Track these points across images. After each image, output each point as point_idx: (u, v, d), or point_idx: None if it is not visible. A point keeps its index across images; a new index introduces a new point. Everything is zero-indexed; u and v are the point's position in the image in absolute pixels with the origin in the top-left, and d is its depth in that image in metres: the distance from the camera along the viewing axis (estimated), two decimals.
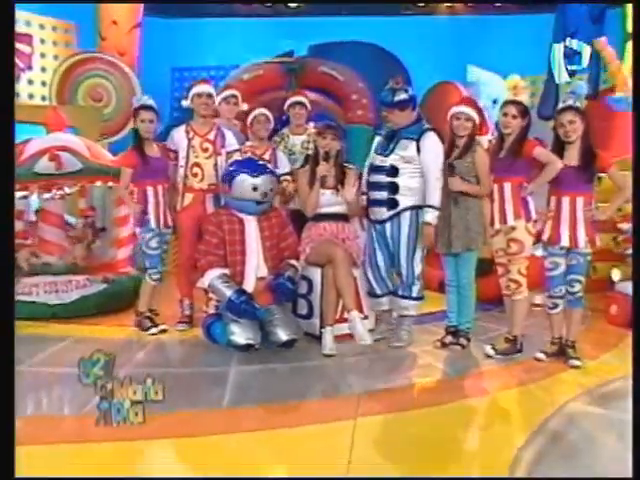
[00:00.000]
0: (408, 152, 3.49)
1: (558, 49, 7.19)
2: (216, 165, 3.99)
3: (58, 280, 4.29)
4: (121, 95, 7.21)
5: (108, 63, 7.27)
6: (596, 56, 6.71)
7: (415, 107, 3.64)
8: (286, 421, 2.45)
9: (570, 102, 3.23)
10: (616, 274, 4.80)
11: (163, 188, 3.89)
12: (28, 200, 4.86)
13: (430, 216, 3.46)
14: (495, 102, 6.53)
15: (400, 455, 2.17)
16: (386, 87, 3.60)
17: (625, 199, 3.35)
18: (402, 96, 3.52)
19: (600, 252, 4.73)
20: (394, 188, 3.50)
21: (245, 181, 3.46)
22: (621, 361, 3.35)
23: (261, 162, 3.81)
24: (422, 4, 8.83)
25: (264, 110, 4.25)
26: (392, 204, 3.52)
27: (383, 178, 3.52)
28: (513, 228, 3.33)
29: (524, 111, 3.34)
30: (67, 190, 4.56)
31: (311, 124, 4.44)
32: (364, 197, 3.71)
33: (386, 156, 3.54)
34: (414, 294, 3.62)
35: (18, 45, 7.27)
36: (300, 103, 4.42)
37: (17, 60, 7.29)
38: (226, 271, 3.37)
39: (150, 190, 3.84)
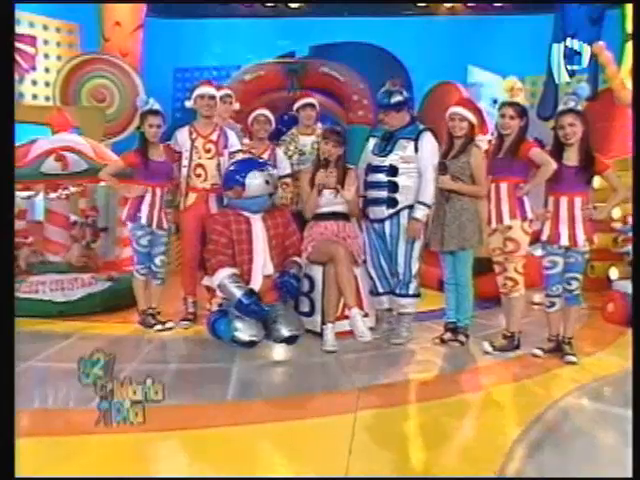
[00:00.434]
0: (407, 152, 3.55)
1: (558, 49, 7.25)
2: (219, 165, 4.06)
3: (64, 278, 4.37)
4: (124, 96, 7.28)
5: (111, 64, 7.34)
6: (595, 56, 6.74)
7: (409, 108, 3.71)
8: (288, 414, 2.51)
9: (571, 104, 3.27)
10: (614, 273, 4.87)
11: (161, 190, 3.93)
12: (33, 200, 4.94)
13: (419, 212, 3.52)
14: (495, 102, 6.57)
15: (399, 446, 2.23)
16: (382, 89, 3.67)
17: (620, 200, 3.40)
18: (398, 98, 3.59)
19: (598, 251, 4.81)
20: (394, 187, 3.56)
21: (258, 177, 3.53)
22: (617, 358, 3.41)
23: (260, 159, 3.93)
24: (423, 4, 8.87)
25: (264, 111, 4.31)
26: (392, 203, 3.58)
27: (382, 178, 3.58)
28: (509, 227, 3.39)
29: (521, 112, 3.40)
30: (72, 190, 4.63)
31: (319, 124, 4.50)
32: (360, 198, 3.77)
33: (384, 156, 3.59)
34: (411, 292, 3.67)
35: (22, 46, 7.35)
36: (310, 105, 4.47)
37: (21, 61, 7.37)
38: (236, 270, 3.42)
39: (148, 190, 3.89)
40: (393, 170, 3.55)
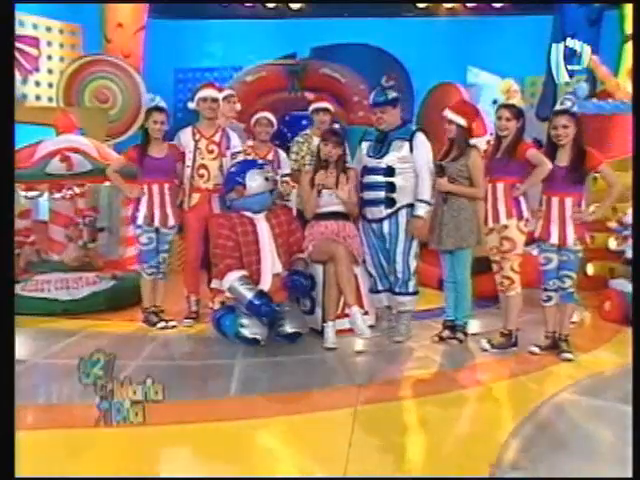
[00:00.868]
0: (402, 152, 3.61)
1: (557, 50, 7.28)
2: (221, 166, 4.12)
3: (69, 277, 4.44)
4: (126, 97, 7.33)
5: (114, 65, 7.40)
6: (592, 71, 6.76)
7: (402, 108, 3.77)
8: (290, 409, 2.57)
9: (567, 105, 3.32)
10: (590, 269, 4.95)
11: (159, 187, 3.94)
12: (37, 200, 5.00)
13: (421, 210, 3.58)
14: (495, 102, 6.60)
15: (398, 439, 2.29)
16: (377, 88, 3.72)
17: (615, 198, 3.44)
18: (394, 94, 3.66)
19: (596, 251, 4.87)
20: (391, 187, 3.61)
21: (257, 175, 3.62)
22: (613, 355, 3.48)
23: (260, 160, 4.01)
24: (423, 4, 8.90)
25: (266, 113, 4.37)
26: (390, 203, 3.63)
27: (380, 178, 3.63)
28: (505, 227, 3.45)
29: (518, 113, 3.47)
30: (77, 190, 4.69)
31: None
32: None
33: (380, 158, 3.65)
34: (410, 289, 3.73)
35: (25, 47, 7.42)
36: (324, 109, 4.51)
37: (24, 62, 7.44)
38: (245, 272, 3.47)
39: (145, 188, 3.94)
40: (390, 171, 3.61)
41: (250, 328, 3.36)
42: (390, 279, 3.78)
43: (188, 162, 4.11)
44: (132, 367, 3.02)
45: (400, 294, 3.74)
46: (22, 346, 3.50)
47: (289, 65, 7.92)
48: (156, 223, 3.96)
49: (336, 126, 3.97)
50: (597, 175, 4.24)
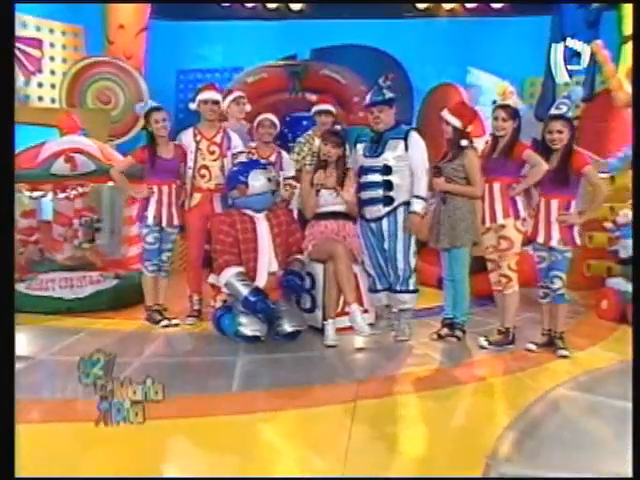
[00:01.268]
0: (398, 151, 3.67)
1: (556, 50, 7.33)
2: (223, 167, 4.17)
3: (73, 276, 4.50)
4: (128, 97, 7.39)
5: (116, 66, 7.46)
6: (594, 57, 6.82)
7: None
8: (291, 404, 2.62)
9: (563, 110, 3.37)
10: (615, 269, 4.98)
11: (169, 188, 4.04)
12: (42, 200, 5.07)
13: (417, 206, 3.64)
14: (495, 103, 6.67)
15: (396, 432, 2.35)
16: (374, 88, 3.78)
17: (601, 200, 3.48)
18: (391, 94, 3.72)
19: (594, 251, 4.92)
20: (389, 186, 3.67)
21: (260, 175, 3.67)
22: (609, 352, 3.52)
23: (262, 160, 4.05)
24: (423, 5, 8.94)
25: (269, 115, 4.40)
26: (388, 201, 3.69)
27: (377, 178, 3.69)
28: (502, 226, 3.50)
29: (514, 114, 3.52)
30: (81, 190, 4.76)
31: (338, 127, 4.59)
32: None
33: (377, 157, 3.70)
34: (411, 287, 3.77)
35: (28, 49, 7.49)
36: (327, 111, 4.56)
37: (27, 64, 7.50)
38: (242, 269, 3.53)
39: (154, 189, 4.01)
40: (387, 169, 3.67)
41: (249, 326, 3.42)
42: (389, 278, 3.82)
43: (190, 163, 4.16)
44: (136, 364, 3.08)
45: (401, 292, 3.78)
46: (28, 344, 3.56)
47: (290, 66, 7.97)
48: (164, 223, 4.04)
49: (337, 127, 4.01)
50: (614, 175, 4.30)
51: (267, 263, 3.61)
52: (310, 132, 4.64)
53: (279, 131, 4.64)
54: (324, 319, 3.72)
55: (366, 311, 3.93)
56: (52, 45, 7.79)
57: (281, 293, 3.62)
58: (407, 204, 3.68)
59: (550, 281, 3.44)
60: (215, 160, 4.18)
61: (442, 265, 3.83)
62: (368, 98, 3.80)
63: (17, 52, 7.27)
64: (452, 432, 2.37)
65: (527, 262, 4.02)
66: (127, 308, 4.53)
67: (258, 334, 3.45)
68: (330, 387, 2.89)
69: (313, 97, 5.91)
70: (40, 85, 7.66)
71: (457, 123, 3.62)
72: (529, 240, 3.54)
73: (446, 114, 3.66)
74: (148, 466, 2.05)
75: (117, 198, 5.29)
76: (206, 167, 4.16)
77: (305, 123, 4.95)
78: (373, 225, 3.79)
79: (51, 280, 4.44)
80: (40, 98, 7.65)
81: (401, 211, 3.70)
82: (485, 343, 3.58)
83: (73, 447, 2.17)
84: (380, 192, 3.69)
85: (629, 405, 2.41)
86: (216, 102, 4.21)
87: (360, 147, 3.84)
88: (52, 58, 7.79)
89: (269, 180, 3.70)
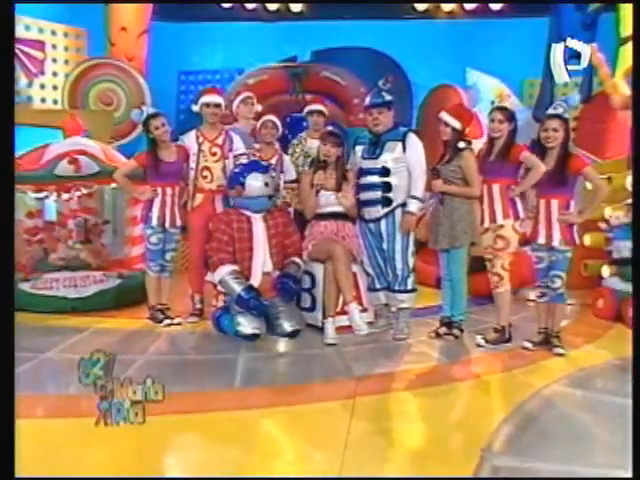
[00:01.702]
0: (396, 153, 3.73)
1: (555, 51, 7.37)
2: (224, 168, 4.23)
3: (77, 275, 4.57)
4: (130, 99, 7.47)
5: (118, 68, 7.53)
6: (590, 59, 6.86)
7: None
8: (291, 400, 2.68)
9: (560, 110, 3.44)
10: (606, 271, 5.03)
11: (172, 189, 4.11)
12: (45, 201, 5.13)
13: (413, 206, 3.69)
14: (493, 104, 6.72)
15: (394, 427, 2.41)
16: (374, 90, 3.85)
17: (601, 200, 3.54)
18: (389, 96, 3.79)
19: (591, 250, 4.97)
20: (387, 187, 3.72)
21: (257, 178, 3.74)
22: (604, 351, 3.58)
23: (264, 162, 4.10)
24: (422, 6, 8.99)
25: (271, 117, 4.47)
26: (386, 202, 3.74)
27: (376, 179, 3.74)
28: (501, 226, 3.56)
29: (510, 116, 3.58)
30: (84, 191, 4.82)
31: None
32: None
33: (376, 159, 3.76)
34: (409, 286, 3.83)
35: (31, 51, 7.55)
36: (319, 111, 4.62)
37: (30, 65, 7.57)
38: (236, 267, 3.61)
39: (158, 191, 4.09)
40: (385, 171, 3.72)
41: (248, 325, 3.49)
42: (388, 278, 3.88)
43: (192, 164, 4.22)
44: (139, 362, 3.14)
45: (399, 292, 3.83)
46: (33, 342, 3.61)
47: (290, 68, 8.04)
48: (167, 224, 4.11)
49: (329, 128, 4.07)
50: (611, 176, 4.35)
51: (262, 262, 3.68)
52: (303, 133, 4.70)
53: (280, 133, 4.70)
54: (324, 318, 3.78)
55: (365, 310, 3.99)
56: (54, 47, 7.86)
57: (275, 294, 3.67)
58: (404, 205, 3.73)
59: (550, 280, 3.48)
60: (217, 161, 4.24)
61: (441, 265, 3.89)
62: (367, 100, 3.86)
63: (20, 54, 7.34)
64: (449, 426, 2.42)
65: (523, 263, 4.09)
66: (130, 307, 4.60)
67: (257, 331, 3.51)
68: (330, 384, 2.95)
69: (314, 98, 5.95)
70: (42, 87, 7.73)
71: (456, 124, 3.67)
72: (527, 241, 3.60)
73: (445, 115, 3.72)
74: (151, 461, 2.09)
75: (120, 199, 5.35)
76: (208, 168, 4.23)
77: (305, 124, 5.01)
78: (372, 226, 3.84)
79: (55, 279, 4.51)
80: (43, 100, 7.72)
81: (399, 212, 3.75)
82: (482, 341, 3.63)
83: (75, 442, 2.20)
84: (379, 193, 3.74)
85: (622, 401, 2.49)
86: (218, 105, 4.26)
87: (359, 149, 3.89)
88: (54, 60, 7.87)
89: (266, 185, 3.75)
